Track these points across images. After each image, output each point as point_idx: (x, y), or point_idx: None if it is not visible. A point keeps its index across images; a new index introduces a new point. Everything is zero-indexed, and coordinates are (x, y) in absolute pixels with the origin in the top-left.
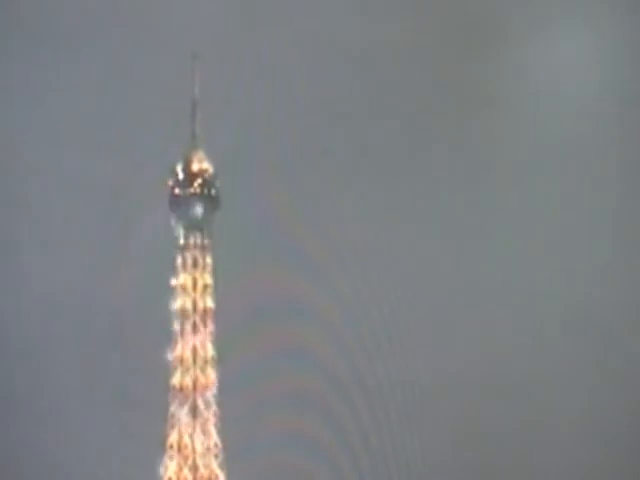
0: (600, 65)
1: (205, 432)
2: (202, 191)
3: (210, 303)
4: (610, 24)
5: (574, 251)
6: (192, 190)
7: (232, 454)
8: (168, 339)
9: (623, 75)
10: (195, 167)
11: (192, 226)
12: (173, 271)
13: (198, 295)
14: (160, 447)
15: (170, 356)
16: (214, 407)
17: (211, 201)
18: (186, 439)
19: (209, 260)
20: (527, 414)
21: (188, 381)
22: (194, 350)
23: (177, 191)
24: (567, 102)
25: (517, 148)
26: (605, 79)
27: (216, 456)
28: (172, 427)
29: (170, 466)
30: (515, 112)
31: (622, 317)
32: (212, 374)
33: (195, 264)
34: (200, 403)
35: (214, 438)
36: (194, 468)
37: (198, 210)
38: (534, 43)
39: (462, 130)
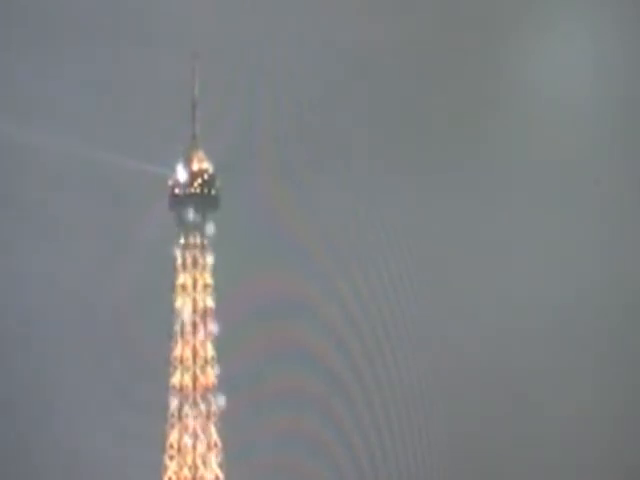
0: (601, 65)
1: (205, 432)
2: (202, 191)
3: (210, 303)
4: (611, 24)
5: (574, 251)
6: (192, 190)
7: (232, 454)
8: (168, 339)
9: (625, 76)
10: (195, 167)
11: (192, 226)
12: (173, 271)
13: (198, 295)
14: (160, 447)
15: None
16: (214, 407)
17: (211, 201)
18: (186, 439)
19: (209, 260)
20: (527, 414)
21: (188, 381)
22: (194, 350)
23: (177, 191)
24: (568, 104)
25: (517, 149)
26: (607, 79)
27: (216, 456)
28: (172, 427)
29: (170, 466)
30: (516, 113)
31: (621, 316)
32: (212, 374)
33: (195, 264)
34: (200, 403)
35: (214, 438)
36: (194, 468)
37: (197, 210)
38: (536, 44)
39: (463, 130)
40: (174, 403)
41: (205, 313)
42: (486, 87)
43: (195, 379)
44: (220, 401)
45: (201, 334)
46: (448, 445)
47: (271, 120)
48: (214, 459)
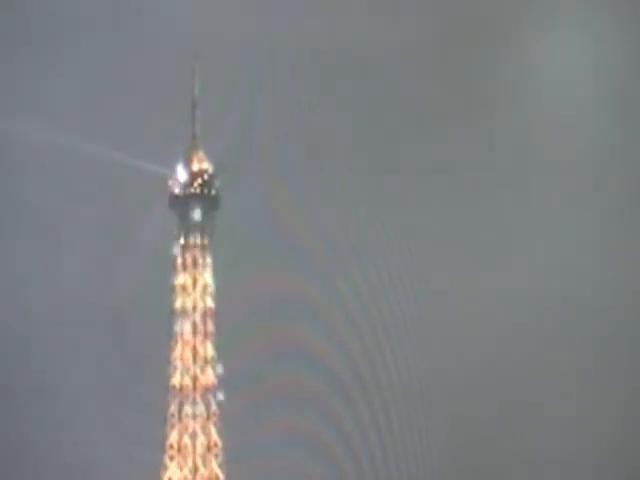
0: (602, 65)
1: (205, 432)
2: (202, 191)
3: (210, 303)
4: (611, 24)
5: (574, 251)
6: (192, 190)
7: (232, 454)
8: (168, 339)
9: (625, 76)
10: (195, 167)
11: (192, 226)
12: (173, 271)
13: (198, 295)
14: (160, 447)
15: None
16: (214, 407)
17: (211, 201)
18: (186, 439)
19: (209, 260)
20: (527, 414)
21: (188, 381)
22: (194, 350)
23: (177, 191)
24: (568, 104)
25: (517, 149)
26: (607, 79)
27: (216, 456)
28: (172, 427)
29: (170, 466)
30: (516, 113)
31: (622, 316)
32: (212, 374)
33: (195, 264)
34: (200, 403)
35: (214, 438)
36: (194, 468)
37: (198, 210)
38: (536, 44)
39: (463, 130)
40: (174, 403)
41: (205, 313)
42: (486, 87)
43: (195, 379)
44: (220, 397)
45: (201, 334)
46: (448, 445)
47: (271, 120)
48: (214, 459)
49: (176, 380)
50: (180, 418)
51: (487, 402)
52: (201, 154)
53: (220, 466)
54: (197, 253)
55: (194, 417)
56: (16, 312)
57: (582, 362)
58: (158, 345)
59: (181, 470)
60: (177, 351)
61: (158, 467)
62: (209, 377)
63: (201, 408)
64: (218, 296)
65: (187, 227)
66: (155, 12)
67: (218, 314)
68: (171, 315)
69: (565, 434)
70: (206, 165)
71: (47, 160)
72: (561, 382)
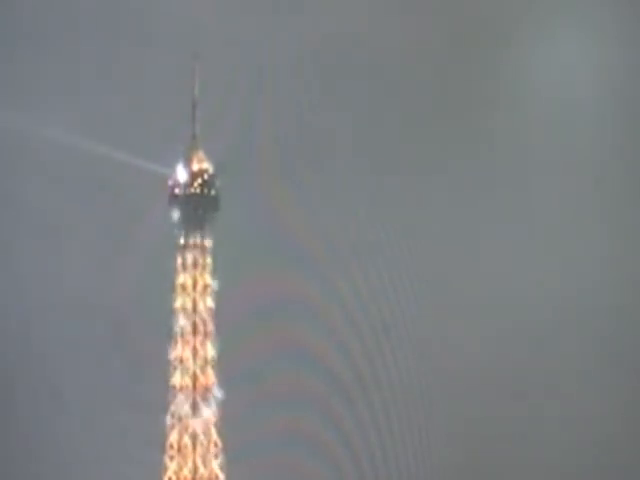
0: (602, 65)
1: (205, 432)
2: (202, 191)
3: (210, 303)
4: (611, 24)
5: (574, 251)
6: (192, 190)
7: (232, 454)
8: (168, 339)
9: (625, 76)
10: (195, 167)
11: (192, 226)
12: (173, 271)
13: (198, 295)
14: (160, 447)
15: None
16: (214, 407)
17: (211, 201)
18: (186, 439)
19: (209, 260)
20: (527, 414)
21: (188, 381)
22: (194, 350)
23: (177, 191)
24: (568, 104)
25: (517, 149)
26: (607, 79)
27: (216, 456)
28: (172, 427)
29: (170, 466)
30: (516, 113)
31: (622, 316)
32: (212, 374)
33: (195, 264)
34: (200, 403)
35: (214, 438)
36: (194, 468)
37: (198, 210)
38: (536, 44)
39: (463, 130)
40: (174, 403)
41: (205, 313)
42: (486, 87)
43: (195, 379)
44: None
45: (201, 334)
46: (448, 445)
47: (271, 120)
48: (214, 459)
49: (176, 380)
50: (180, 418)
51: (487, 402)
52: (201, 154)
53: (220, 466)
54: (197, 253)
55: (194, 417)
56: (16, 312)
57: (582, 362)
58: (158, 345)
59: (181, 470)
60: (177, 351)
61: (158, 467)
62: (209, 377)
63: (201, 408)
64: (218, 296)
65: (187, 227)
66: (155, 12)
67: (218, 314)
68: (171, 315)
69: (565, 434)
70: (206, 165)
71: (47, 160)
72: (561, 382)
